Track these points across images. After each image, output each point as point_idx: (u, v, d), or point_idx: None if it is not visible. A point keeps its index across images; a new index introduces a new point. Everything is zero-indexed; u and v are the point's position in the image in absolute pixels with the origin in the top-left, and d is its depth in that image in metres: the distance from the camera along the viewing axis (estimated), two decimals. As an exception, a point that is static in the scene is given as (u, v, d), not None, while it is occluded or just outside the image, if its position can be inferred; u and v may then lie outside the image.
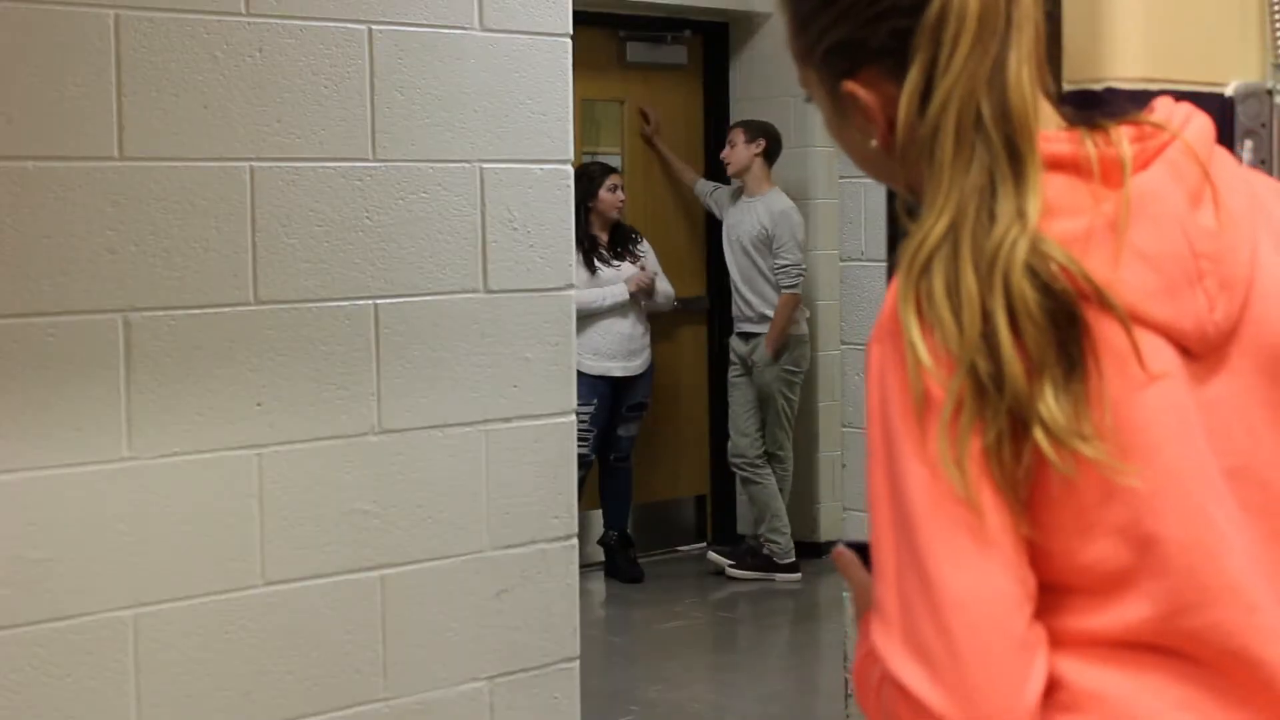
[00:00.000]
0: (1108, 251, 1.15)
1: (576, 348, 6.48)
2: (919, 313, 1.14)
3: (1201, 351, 1.18)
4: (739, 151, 6.75)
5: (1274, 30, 2.14)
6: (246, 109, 2.69)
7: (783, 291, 6.66)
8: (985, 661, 1.11)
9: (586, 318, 6.46)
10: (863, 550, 1.50)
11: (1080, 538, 1.15)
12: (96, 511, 2.56)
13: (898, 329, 1.16)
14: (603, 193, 6.64)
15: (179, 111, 2.62)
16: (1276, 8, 2.14)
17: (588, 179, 6.58)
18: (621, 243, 6.74)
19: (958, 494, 1.12)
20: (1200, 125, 1.24)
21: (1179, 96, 1.29)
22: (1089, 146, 1.19)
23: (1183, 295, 1.17)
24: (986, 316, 1.12)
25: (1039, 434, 1.11)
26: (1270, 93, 2.11)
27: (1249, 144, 2.10)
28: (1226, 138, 2.07)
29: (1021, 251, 1.13)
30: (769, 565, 6.85)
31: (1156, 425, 1.15)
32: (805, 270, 6.72)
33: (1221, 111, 2.07)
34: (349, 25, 2.81)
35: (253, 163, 2.71)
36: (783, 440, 6.87)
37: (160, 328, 2.62)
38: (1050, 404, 1.11)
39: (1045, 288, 1.12)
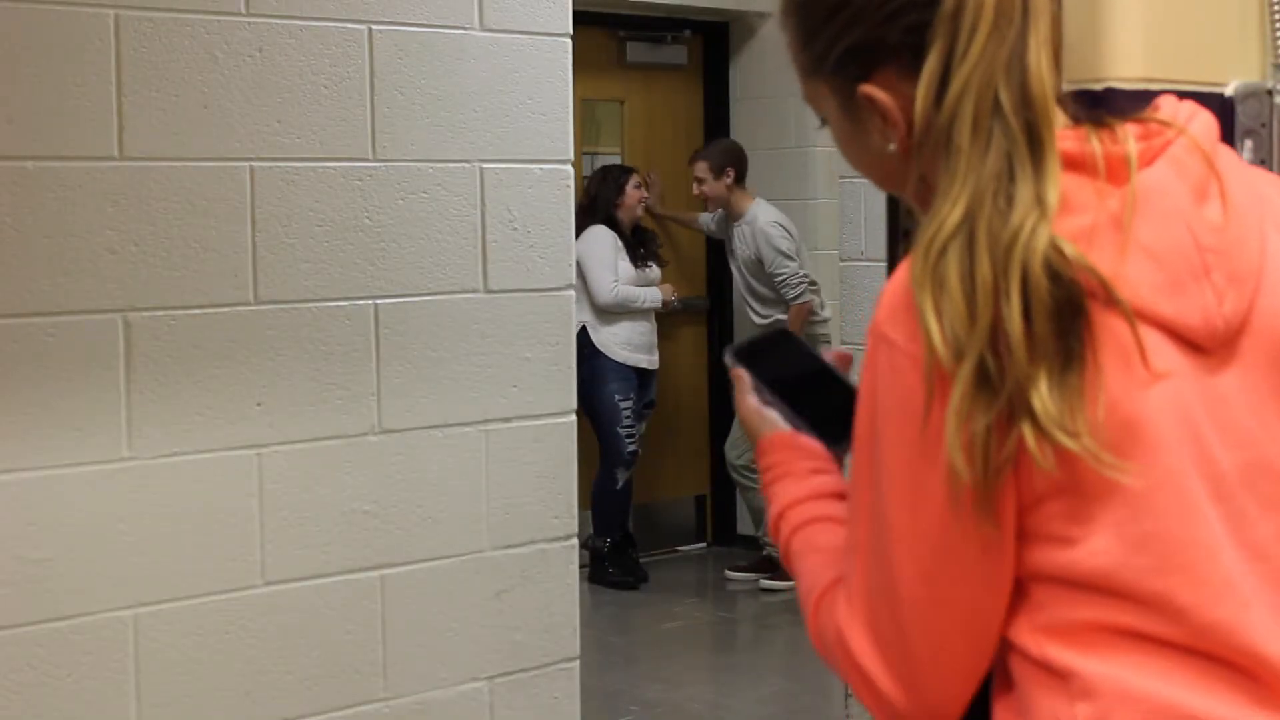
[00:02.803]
0: (1113, 248, 1.16)
1: (607, 339, 6.60)
2: (934, 299, 1.14)
3: (1211, 346, 1.18)
4: (710, 187, 6.73)
5: (1274, 30, 2.13)
6: (246, 109, 2.69)
7: (791, 305, 6.62)
8: (941, 671, 1.20)
9: (619, 312, 6.55)
10: (749, 354, 1.49)
11: (1079, 532, 1.15)
12: (96, 511, 2.56)
13: (906, 315, 1.16)
14: (630, 189, 6.66)
15: (179, 111, 2.62)
16: (1276, 8, 2.14)
17: (612, 180, 6.62)
18: (644, 243, 6.77)
19: (942, 494, 1.15)
20: (1205, 122, 1.24)
21: (1179, 96, 1.29)
22: (1094, 144, 1.20)
23: (1189, 290, 1.17)
24: (999, 305, 1.12)
25: (1026, 426, 1.12)
26: (1270, 93, 2.11)
27: (1249, 144, 2.10)
28: (1226, 138, 2.07)
29: (1042, 240, 1.13)
30: None
31: (1157, 424, 1.15)
32: (807, 276, 6.63)
33: (1221, 111, 2.07)
34: (349, 25, 2.81)
35: (253, 163, 2.71)
36: None
37: (160, 328, 2.62)
38: (1044, 395, 1.11)
39: (1057, 277, 1.13)
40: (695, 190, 6.79)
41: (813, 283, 6.67)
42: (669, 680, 5.59)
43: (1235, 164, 1.25)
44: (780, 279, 6.58)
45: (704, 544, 7.63)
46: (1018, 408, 1.12)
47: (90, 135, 2.54)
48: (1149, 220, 1.17)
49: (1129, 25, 2.01)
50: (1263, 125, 2.10)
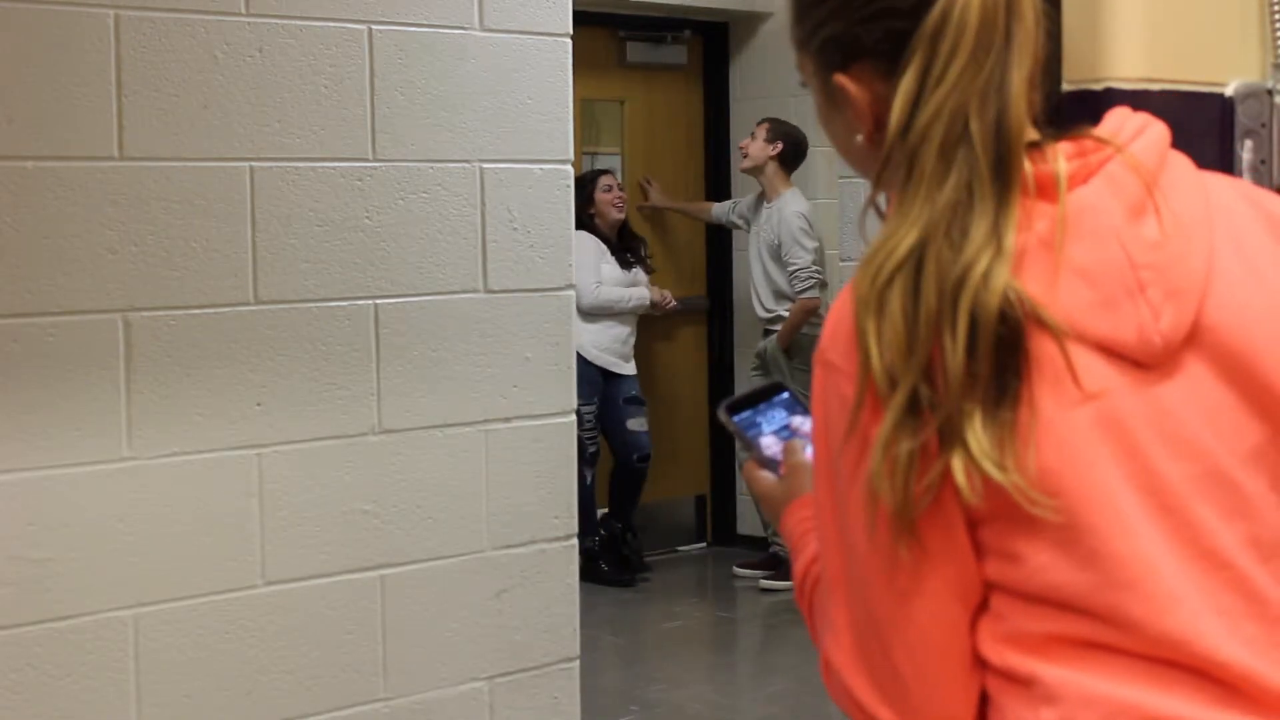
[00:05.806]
0: (1043, 269, 1.16)
1: (581, 336, 6.59)
2: (876, 324, 1.15)
3: (1151, 361, 1.17)
4: (755, 147, 6.72)
5: (1274, 30, 2.14)
6: (246, 109, 2.69)
7: (797, 297, 6.62)
8: (928, 689, 1.20)
9: (600, 314, 6.55)
10: (739, 405, 1.54)
11: (1026, 549, 1.16)
12: (96, 511, 2.56)
13: (850, 339, 1.17)
14: (598, 194, 6.71)
15: (179, 111, 2.62)
16: (1276, 8, 2.14)
17: (580, 187, 6.67)
18: (630, 248, 6.77)
19: (892, 522, 1.15)
20: (1152, 136, 1.23)
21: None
22: (1025, 164, 1.19)
23: (1122, 307, 1.16)
24: (941, 339, 1.13)
25: (957, 458, 1.12)
26: (1270, 93, 2.11)
27: (1249, 144, 2.10)
28: (1226, 138, 2.07)
29: (998, 283, 1.13)
30: None
31: (1089, 442, 1.15)
32: (820, 272, 6.64)
33: (1221, 111, 2.07)
34: (349, 25, 2.81)
35: (253, 163, 2.71)
36: None
37: (160, 328, 2.62)
38: (978, 430, 1.12)
39: (1007, 319, 1.13)
40: (742, 144, 6.81)
41: (824, 282, 6.68)
42: (669, 680, 5.59)
43: (1188, 175, 1.24)
44: (793, 269, 6.59)
45: (704, 544, 7.63)
46: (949, 439, 1.12)
47: (90, 135, 2.54)
48: (1080, 239, 1.17)
49: (1129, 25, 2.01)
50: (1263, 125, 2.10)
